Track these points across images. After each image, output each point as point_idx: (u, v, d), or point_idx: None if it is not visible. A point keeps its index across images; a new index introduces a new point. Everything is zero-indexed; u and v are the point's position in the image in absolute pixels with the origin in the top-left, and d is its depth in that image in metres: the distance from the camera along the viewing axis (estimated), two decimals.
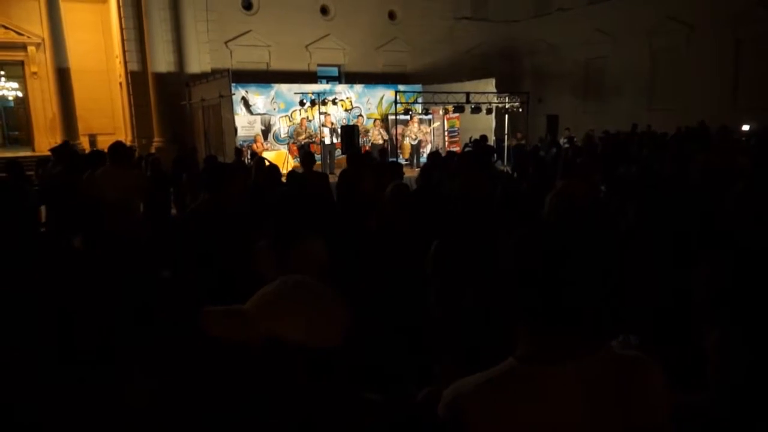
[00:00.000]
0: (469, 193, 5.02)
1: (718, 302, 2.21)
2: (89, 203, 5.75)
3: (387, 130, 18.37)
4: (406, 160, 17.35)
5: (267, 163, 7.57)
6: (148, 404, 1.55)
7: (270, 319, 1.22)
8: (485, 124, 16.88)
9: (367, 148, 16.55)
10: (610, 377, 1.25)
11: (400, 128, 17.51)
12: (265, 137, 17.25)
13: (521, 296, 1.27)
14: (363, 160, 6.91)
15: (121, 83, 22.51)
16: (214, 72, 17.98)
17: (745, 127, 15.19)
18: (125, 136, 21.48)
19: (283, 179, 7.06)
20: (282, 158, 15.04)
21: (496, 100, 17.30)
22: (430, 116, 18.83)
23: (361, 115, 18.91)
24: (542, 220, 4.05)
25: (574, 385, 1.23)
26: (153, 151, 17.44)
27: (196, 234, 4.24)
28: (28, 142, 22.33)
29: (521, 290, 1.27)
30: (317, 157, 16.79)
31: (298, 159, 16.25)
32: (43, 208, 7.55)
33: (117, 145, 6.26)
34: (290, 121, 17.93)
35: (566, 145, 16.05)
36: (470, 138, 15.15)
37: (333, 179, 8.00)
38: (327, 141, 16.75)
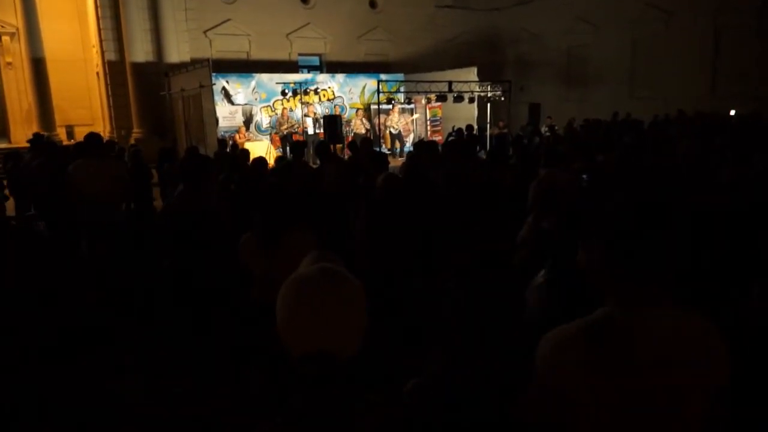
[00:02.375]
0: (454, 181, 5.03)
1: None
2: (70, 196, 5.68)
3: (369, 120, 18.31)
4: (389, 150, 17.33)
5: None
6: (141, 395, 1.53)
7: (282, 323, 1.18)
8: (467, 113, 16.87)
9: (350, 138, 16.50)
10: (689, 329, 1.37)
11: (382, 118, 17.46)
12: (247, 128, 17.11)
13: (631, 245, 1.35)
14: (327, 153, 6.90)
15: (98, 73, 22.13)
16: (194, 61, 17.74)
17: (732, 112, 15.37)
18: (103, 127, 21.17)
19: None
20: (264, 149, 14.94)
21: (478, 89, 17.30)
22: (412, 105, 18.80)
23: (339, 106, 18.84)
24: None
25: (664, 331, 1.34)
26: (132, 142, 17.21)
27: (172, 226, 4.22)
28: (3, 133, 21.90)
29: (631, 239, 1.35)
30: None
31: (281, 150, 16.18)
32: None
33: (92, 137, 6.15)
34: (272, 111, 17.79)
35: (547, 134, 16.15)
36: (453, 127, 15.16)
37: None
38: (310, 131, 16.65)
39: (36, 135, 9.88)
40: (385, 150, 16.48)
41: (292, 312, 1.18)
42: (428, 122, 19.24)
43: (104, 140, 6.99)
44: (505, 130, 16.90)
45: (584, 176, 6.17)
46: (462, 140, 10.32)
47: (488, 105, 17.65)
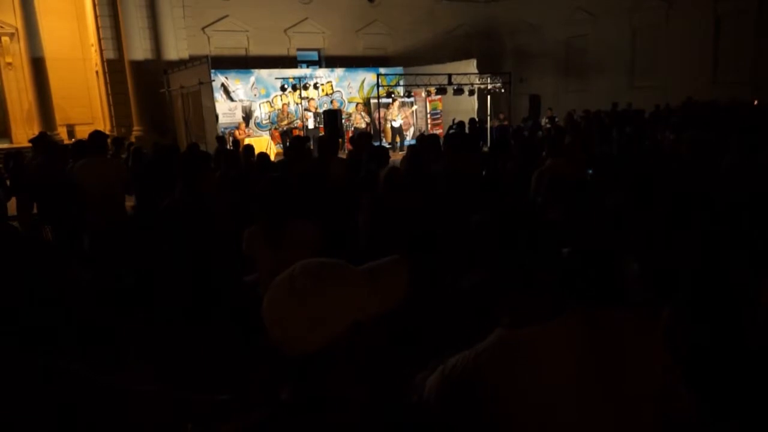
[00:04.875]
0: (455, 173, 5.02)
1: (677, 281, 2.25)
2: (74, 195, 5.68)
3: (369, 114, 18.29)
4: (389, 144, 17.31)
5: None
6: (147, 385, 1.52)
7: (274, 322, 1.14)
8: (467, 106, 16.85)
9: (350, 132, 16.51)
10: (601, 333, 1.25)
11: (382, 111, 17.43)
12: (247, 124, 17.12)
13: (508, 262, 1.28)
14: (330, 148, 6.87)
15: (97, 72, 22.11)
16: (192, 59, 17.73)
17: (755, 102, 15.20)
18: (104, 126, 21.15)
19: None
20: (264, 145, 14.93)
21: (478, 81, 17.26)
22: (411, 99, 18.77)
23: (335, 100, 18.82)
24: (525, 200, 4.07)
25: (563, 342, 1.23)
26: (132, 140, 17.21)
27: (174, 225, 4.21)
28: (5, 133, 21.90)
29: (507, 256, 1.28)
30: None
31: (281, 145, 16.17)
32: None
33: (95, 135, 6.12)
34: (271, 106, 17.78)
35: (548, 126, 16.11)
36: (454, 120, 15.13)
37: None
38: (310, 125, 16.65)
39: (40, 134, 9.89)
40: (385, 144, 16.47)
41: (272, 308, 1.14)
42: (428, 115, 19.21)
43: (112, 138, 6.97)
44: (506, 122, 16.87)
45: (589, 171, 6.13)
46: (463, 133, 10.30)
47: (488, 97, 17.61)
